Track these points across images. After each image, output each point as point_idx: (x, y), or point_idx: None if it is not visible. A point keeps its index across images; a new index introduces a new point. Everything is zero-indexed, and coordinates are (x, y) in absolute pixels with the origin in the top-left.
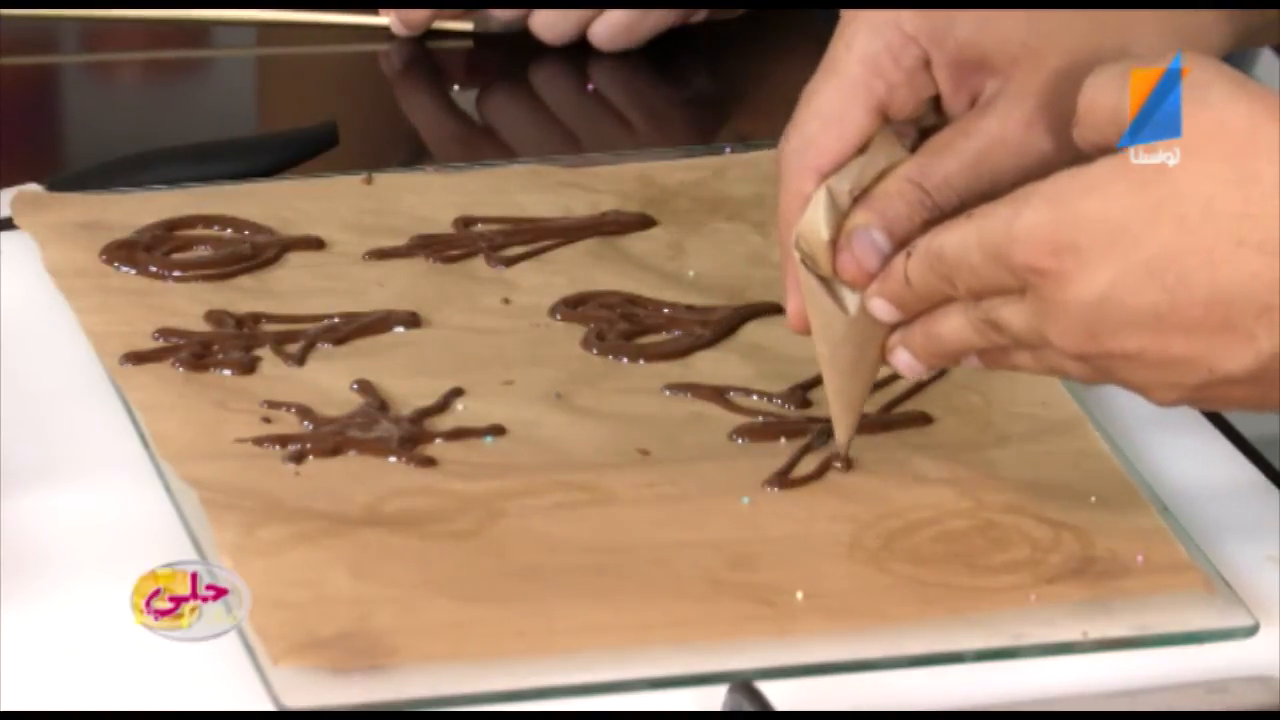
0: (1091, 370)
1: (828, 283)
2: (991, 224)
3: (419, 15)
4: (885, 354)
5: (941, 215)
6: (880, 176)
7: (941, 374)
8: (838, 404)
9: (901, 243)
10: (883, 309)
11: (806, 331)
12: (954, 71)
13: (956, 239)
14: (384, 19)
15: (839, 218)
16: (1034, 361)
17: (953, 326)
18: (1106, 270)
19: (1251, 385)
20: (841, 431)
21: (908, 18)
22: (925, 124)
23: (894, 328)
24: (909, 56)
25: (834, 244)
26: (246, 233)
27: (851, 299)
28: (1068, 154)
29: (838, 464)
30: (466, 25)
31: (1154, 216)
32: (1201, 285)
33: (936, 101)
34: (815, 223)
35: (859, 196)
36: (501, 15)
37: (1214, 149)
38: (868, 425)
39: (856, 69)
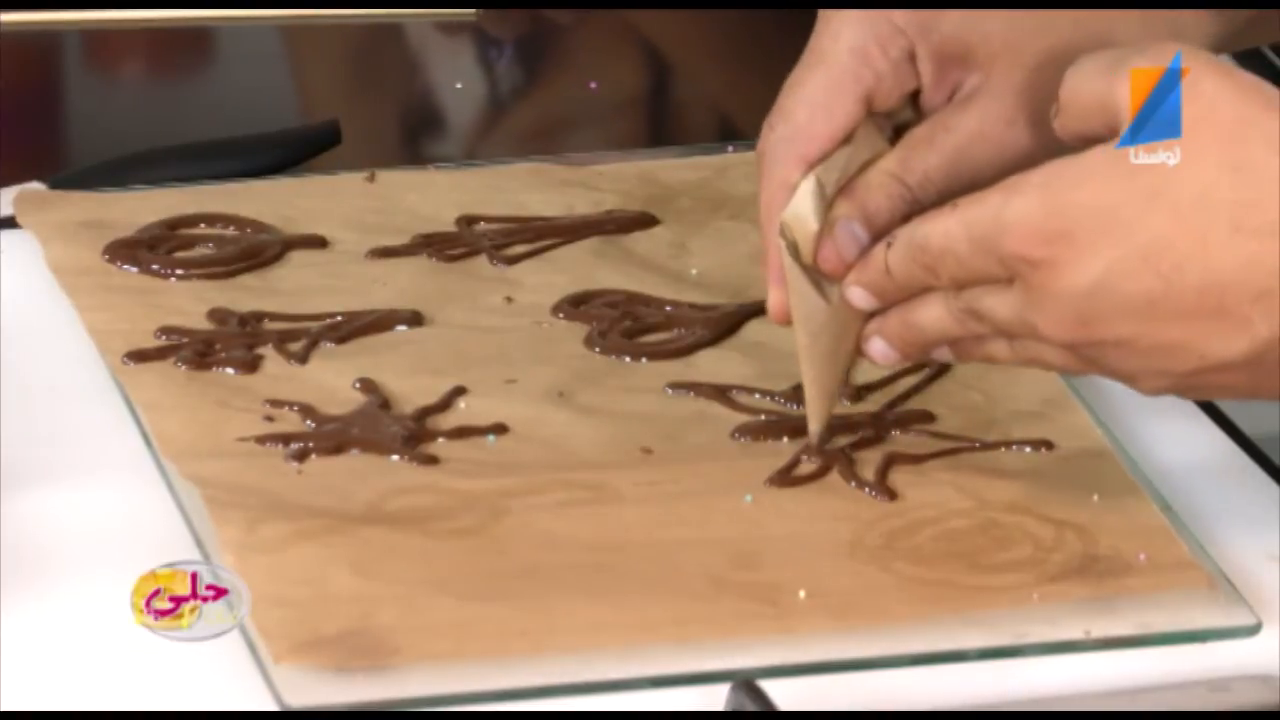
0: (1077, 360)
1: (810, 272)
2: (980, 213)
3: None
4: (860, 343)
5: (921, 208)
6: (863, 168)
7: (944, 371)
8: (813, 392)
9: (881, 234)
10: (861, 297)
11: (789, 323)
12: (937, 64)
13: (941, 229)
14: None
15: (826, 208)
16: (1010, 352)
17: (932, 315)
18: (1100, 258)
19: (1245, 371)
20: (815, 421)
21: (897, 11)
22: (901, 119)
23: (869, 317)
24: (896, 48)
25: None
26: (249, 231)
27: (834, 288)
28: (1048, 151)
29: (805, 458)
30: None
31: (1147, 204)
32: (1196, 271)
33: (914, 97)
34: (803, 212)
35: (843, 187)
36: None
37: (1206, 137)
38: (870, 424)
39: (846, 58)
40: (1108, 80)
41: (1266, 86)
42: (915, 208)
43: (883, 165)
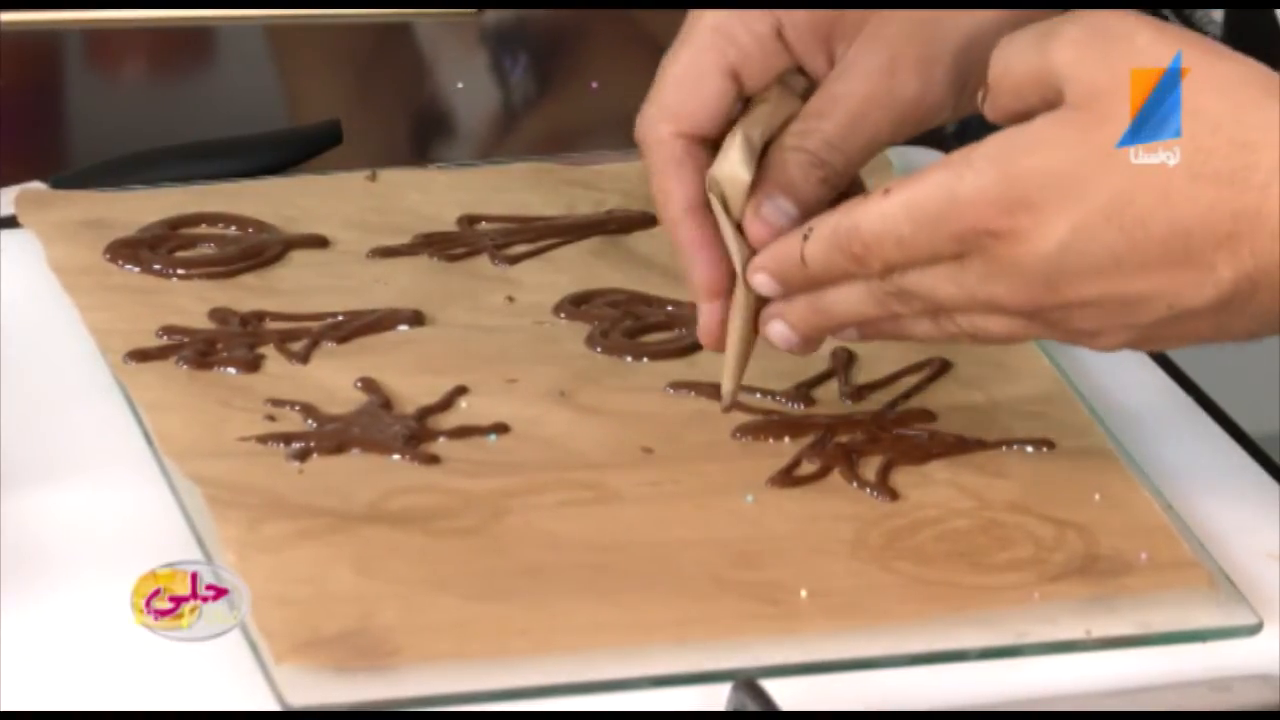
0: (1034, 325)
1: (741, 227)
2: (923, 192)
3: None
4: (758, 325)
5: (835, 174)
6: (785, 125)
7: (944, 371)
8: (735, 350)
9: (808, 209)
10: (765, 284)
11: (722, 348)
12: (810, 36)
13: (876, 214)
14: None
15: (756, 161)
16: (934, 328)
17: (848, 299)
18: (1063, 221)
19: (1211, 317)
20: (729, 380)
21: None
22: (807, 87)
23: (768, 299)
24: (761, 23)
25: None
26: (250, 231)
27: None
28: (935, 93)
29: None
30: None
31: (1104, 162)
32: (1159, 222)
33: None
34: (734, 167)
35: (769, 142)
36: None
37: (1151, 87)
38: (870, 423)
39: (708, 35)
40: (1040, 52)
41: (1196, 35)
42: (830, 173)
43: (785, 140)
